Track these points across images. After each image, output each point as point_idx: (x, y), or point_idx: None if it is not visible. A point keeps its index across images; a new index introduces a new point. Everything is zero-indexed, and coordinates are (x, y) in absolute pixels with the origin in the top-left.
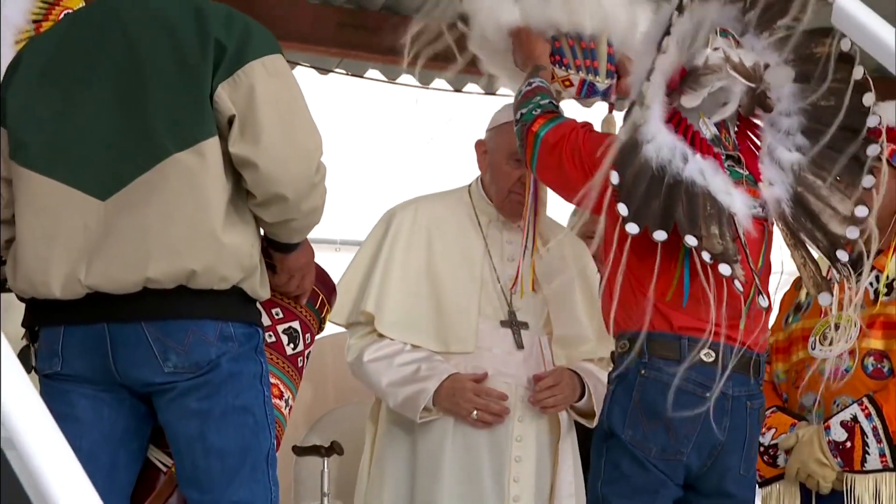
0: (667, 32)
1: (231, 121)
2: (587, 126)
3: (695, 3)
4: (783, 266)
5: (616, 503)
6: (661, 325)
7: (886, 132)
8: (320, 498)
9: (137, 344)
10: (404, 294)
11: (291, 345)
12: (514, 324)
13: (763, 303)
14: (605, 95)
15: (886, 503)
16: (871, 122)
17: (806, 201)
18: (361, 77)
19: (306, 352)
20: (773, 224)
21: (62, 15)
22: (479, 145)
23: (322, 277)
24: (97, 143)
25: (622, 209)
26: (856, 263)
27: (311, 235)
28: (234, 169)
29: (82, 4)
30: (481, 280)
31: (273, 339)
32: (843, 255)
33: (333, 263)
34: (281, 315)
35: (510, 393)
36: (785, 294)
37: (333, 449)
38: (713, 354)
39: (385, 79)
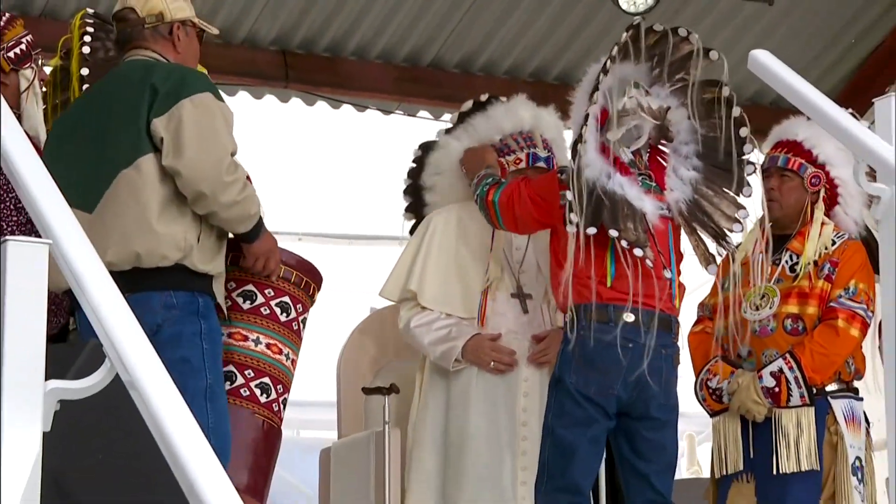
0: (595, 87)
1: (162, 142)
2: (525, 178)
3: (615, 64)
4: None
5: (559, 432)
6: (595, 298)
7: (792, 146)
8: (383, 425)
9: None
10: (439, 277)
11: (284, 314)
12: (521, 295)
13: (668, 275)
14: (547, 162)
15: (805, 428)
16: (747, 149)
17: (702, 205)
18: (414, 116)
19: (300, 318)
20: (676, 220)
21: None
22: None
23: (310, 269)
24: (86, 175)
25: (573, 217)
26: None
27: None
28: (171, 177)
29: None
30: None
31: (268, 311)
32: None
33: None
34: (272, 293)
35: (518, 347)
36: (720, 264)
37: (392, 389)
38: (633, 316)
39: (432, 118)
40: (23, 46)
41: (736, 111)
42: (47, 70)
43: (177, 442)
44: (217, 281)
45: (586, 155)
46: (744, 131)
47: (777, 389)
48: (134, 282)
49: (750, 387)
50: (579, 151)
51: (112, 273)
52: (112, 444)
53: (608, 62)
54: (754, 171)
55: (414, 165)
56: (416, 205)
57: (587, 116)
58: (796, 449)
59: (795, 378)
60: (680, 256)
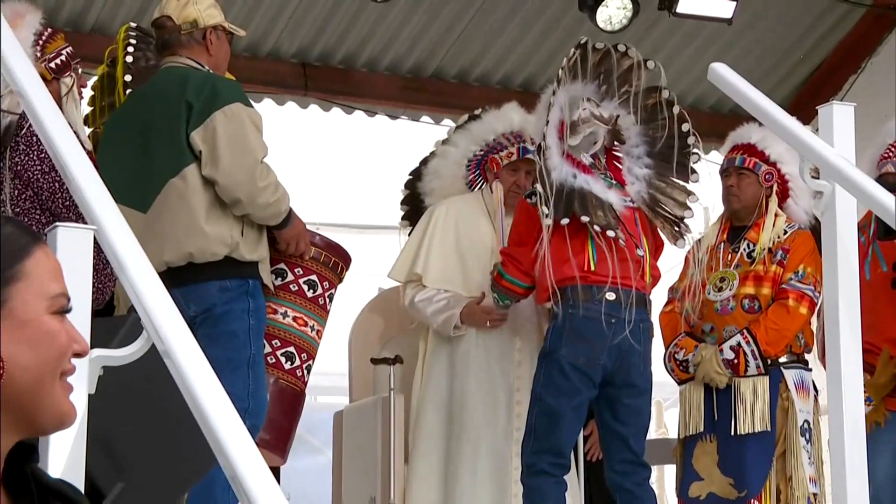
0: (551, 103)
1: (201, 153)
2: (502, 248)
3: (567, 83)
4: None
5: (547, 400)
6: (580, 280)
7: (747, 148)
8: (389, 391)
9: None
10: (442, 260)
11: (311, 290)
12: None
13: (640, 253)
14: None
15: (760, 395)
16: (690, 140)
17: (657, 197)
18: (418, 121)
19: (326, 294)
20: (639, 210)
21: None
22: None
23: (339, 250)
24: (136, 178)
25: (544, 210)
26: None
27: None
28: (212, 184)
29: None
30: (491, 249)
31: (296, 288)
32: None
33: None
34: (301, 272)
35: (512, 321)
36: (688, 252)
37: (397, 360)
38: (614, 295)
39: (433, 122)
40: (63, 57)
41: (676, 109)
42: (94, 78)
43: (205, 404)
44: (263, 264)
45: (550, 159)
46: (685, 126)
47: (736, 361)
48: (191, 275)
49: (712, 359)
50: (544, 154)
51: (170, 269)
52: (151, 405)
53: (559, 80)
54: (699, 160)
55: (410, 178)
56: (413, 212)
57: (546, 124)
58: (752, 413)
59: (752, 351)
60: (659, 247)
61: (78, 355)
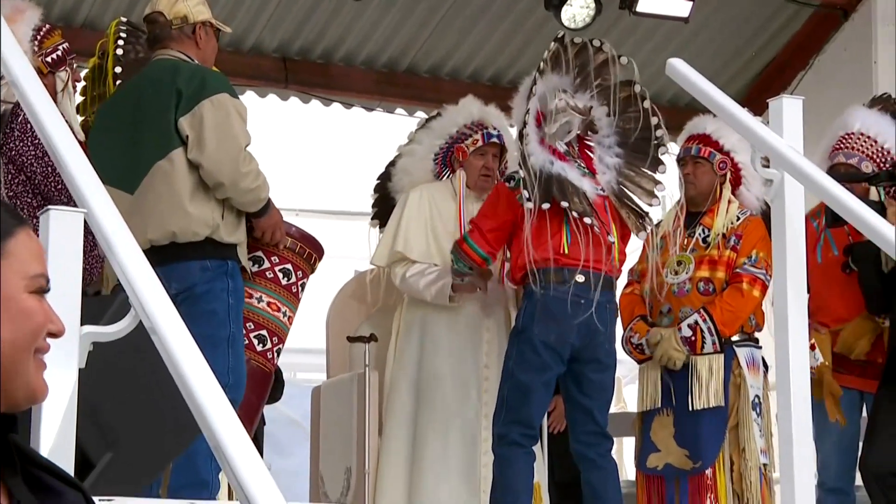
0: (531, 92)
1: (187, 138)
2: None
3: (545, 75)
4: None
5: (518, 375)
6: (552, 263)
7: (702, 138)
8: (364, 368)
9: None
10: (421, 237)
11: (285, 278)
12: None
13: (611, 239)
14: (499, 138)
15: (715, 372)
16: (658, 133)
17: (626, 185)
18: (392, 113)
19: (299, 283)
20: (608, 198)
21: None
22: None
23: (313, 242)
24: (125, 162)
25: (525, 195)
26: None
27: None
28: (196, 167)
29: (60, 40)
30: (463, 227)
31: (272, 275)
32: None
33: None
34: (277, 260)
35: (480, 298)
36: (646, 237)
37: (372, 338)
38: (583, 277)
39: (407, 114)
40: (59, 52)
41: (647, 104)
42: (84, 71)
43: (190, 378)
44: (241, 247)
45: (529, 145)
46: (655, 119)
47: (693, 338)
48: (173, 254)
49: (671, 338)
50: (525, 140)
51: (154, 247)
52: (138, 380)
53: (540, 71)
54: (667, 152)
55: (379, 181)
56: (383, 213)
57: (527, 112)
58: (707, 389)
59: (709, 328)
60: (626, 233)
61: (53, 335)
